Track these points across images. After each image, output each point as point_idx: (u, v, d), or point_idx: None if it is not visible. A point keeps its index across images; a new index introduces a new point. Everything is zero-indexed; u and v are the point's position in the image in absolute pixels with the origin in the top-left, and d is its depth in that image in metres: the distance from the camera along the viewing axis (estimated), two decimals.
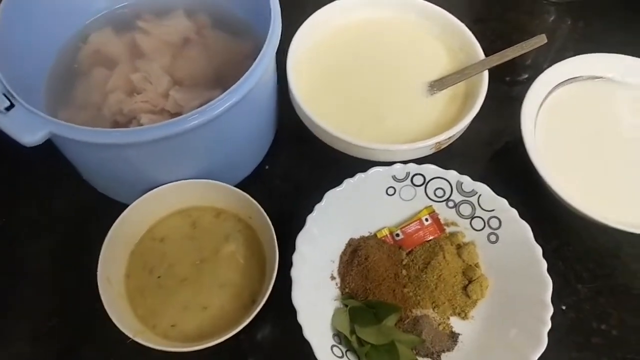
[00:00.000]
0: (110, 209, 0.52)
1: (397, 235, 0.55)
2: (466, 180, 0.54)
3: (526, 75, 0.70)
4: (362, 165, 0.55)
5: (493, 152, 0.64)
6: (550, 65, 0.62)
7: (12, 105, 0.43)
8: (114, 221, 0.49)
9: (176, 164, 0.51)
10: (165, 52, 0.59)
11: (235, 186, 0.53)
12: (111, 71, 0.58)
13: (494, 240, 0.53)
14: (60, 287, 0.54)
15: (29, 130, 0.42)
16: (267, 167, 0.61)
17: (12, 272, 0.55)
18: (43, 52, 0.55)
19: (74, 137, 0.43)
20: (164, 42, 0.60)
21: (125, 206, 0.50)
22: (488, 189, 0.54)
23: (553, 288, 0.48)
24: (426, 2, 0.66)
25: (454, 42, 0.64)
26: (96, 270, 0.47)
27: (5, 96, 0.43)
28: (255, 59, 0.48)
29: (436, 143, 0.55)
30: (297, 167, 0.62)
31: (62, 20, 0.57)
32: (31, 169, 0.61)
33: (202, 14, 0.62)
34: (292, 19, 0.59)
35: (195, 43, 0.60)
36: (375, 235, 0.55)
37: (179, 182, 0.51)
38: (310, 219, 0.51)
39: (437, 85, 0.61)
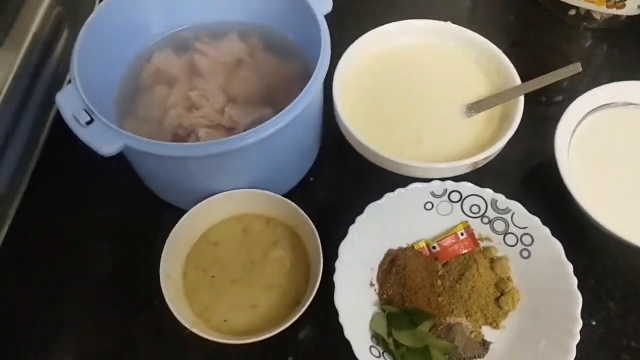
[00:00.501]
0: (169, 213, 0.57)
1: (434, 247, 0.58)
2: (500, 198, 0.57)
3: (561, 97, 0.73)
4: (401, 180, 0.59)
5: (527, 171, 0.67)
6: (585, 89, 0.65)
7: (91, 120, 0.48)
8: (172, 225, 0.54)
9: (231, 175, 0.56)
10: (221, 72, 0.65)
11: (283, 196, 0.57)
12: (171, 88, 0.63)
13: (526, 255, 0.56)
14: (122, 283, 0.59)
15: (106, 143, 0.47)
16: (311, 178, 0.65)
17: (80, 269, 0.60)
18: (113, 70, 0.61)
19: (145, 149, 0.48)
20: (219, 63, 0.65)
21: (183, 211, 0.55)
22: (521, 207, 0.56)
23: (583, 304, 0.51)
24: (463, 29, 0.69)
25: (490, 66, 0.68)
26: (155, 270, 0.51)
27: (86, 112, 0.49)
28: (303, 80, 0.52)
29: (473, 162, 0.58)
30: (339, 180, 0.66)
31: (130, 42, 0.63)
32: (100, 174, 0.66)
33: (254, 37, 0.67)
34: (338, 43, 0.63)
35: (248, 64, 0.65)
36: (412, 246, 0.58)
37: (232, 191, 0.56)
38: (352, 229, 0.54)
39: (475, 107, 0.65)
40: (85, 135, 0.48)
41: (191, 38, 0.67)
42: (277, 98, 0.63)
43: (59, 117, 0.65)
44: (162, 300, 0.50)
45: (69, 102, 0.49)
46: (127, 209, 0.64)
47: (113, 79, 0.61)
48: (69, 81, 0.51)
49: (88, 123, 0.48)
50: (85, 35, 0.54)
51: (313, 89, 0.52)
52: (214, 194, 0.56)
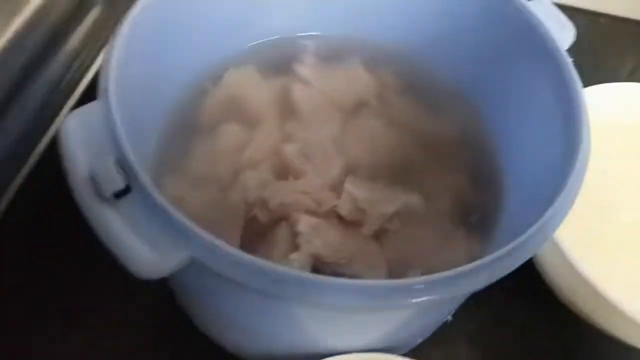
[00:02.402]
0: None
1: None
2: None
3: None
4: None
5: None
6: None
7: (127, 190, 0.22)
8: None
9: (351, 332, 0.30)
10: (332, 117, 0.40)
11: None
12: (250, 132, 0.38)
13: None
14: None
15: (155, 250, 0.21)
16: (449, 317, 0.39)
17: None
18: (161, 93, 0.35)
19: (237, 277, 0.21)
20: (330, 101, 0.40)
21: None
22: None
23: None
24: None
25: None
26: None
27: (123, 169, 0.23)
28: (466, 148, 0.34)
29: None
30: (496, 325, 0.40)
31: (194, 47, 0.37)
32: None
33: (387, 69, 0.42)
34: None
35: (374, 110, 0.40)
36: None
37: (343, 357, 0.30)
38: None
39: None
40: (110, 228, 0.22)
41: (288, 54, 0.42)
42: (423, 176, 0.38)
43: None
44: None
45: (88, 142, 0.24)
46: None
47: (159, 107, 0.35)
48: (87, 96, 0.26)
49: (119, 195, 0.23)
50: (134, 22, 0.29)
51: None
52: (313, 354, 0.30)
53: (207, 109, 0.39)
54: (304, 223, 0.33)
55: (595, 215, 0.40)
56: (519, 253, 0.24)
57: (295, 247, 0.32)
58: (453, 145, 0.39)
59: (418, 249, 0.33)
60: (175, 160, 0.37)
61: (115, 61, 0.25)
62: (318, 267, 0.32)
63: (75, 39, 0.34)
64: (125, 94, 0.26)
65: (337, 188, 0.35)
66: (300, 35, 0.41)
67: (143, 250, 0.21)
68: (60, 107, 0.37)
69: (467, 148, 0.38)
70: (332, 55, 0.42)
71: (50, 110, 0.34)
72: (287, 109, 0.40)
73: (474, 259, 0.25)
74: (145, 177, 0.22)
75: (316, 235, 0.32)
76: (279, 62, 0.40)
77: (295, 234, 0.33)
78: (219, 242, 0.21)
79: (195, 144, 0.38)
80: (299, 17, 0.40)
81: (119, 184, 0.22)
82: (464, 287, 0.23)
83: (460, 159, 0.37)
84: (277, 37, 0.41)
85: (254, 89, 0.40)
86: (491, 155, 0.36)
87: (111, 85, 0.24)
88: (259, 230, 0.34)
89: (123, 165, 0.22)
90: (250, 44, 0.40)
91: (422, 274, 0.30)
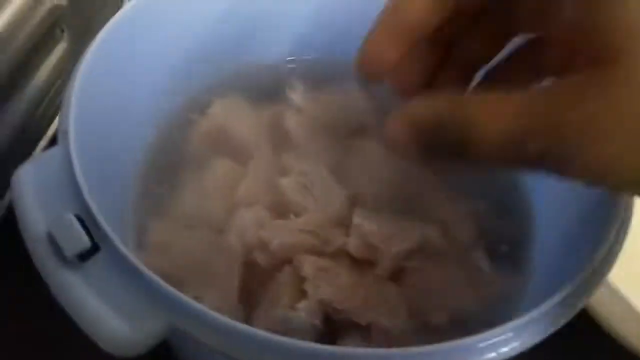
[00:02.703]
0: None
1: None
2: None
3: None
4: None
5: None
6: None
7: (95, 249, 0.19)
8: None
9: None
10: (330, 145, 0.36)
11: None
12: (242, 166, 0.34)
13: None
14: None
15: (129, 320, 0.17)
16: None
17: None
18: (138, 126, 0.32)
19: (227, 349, 0.17)
20: (326, 128, 0.37)
21: None
22: None
23: None
24: None
25: None
26: None
27: (84, 226, 0.19)
28: None
29: None
30: None
31: (176, 75, 0.34)
32: None
33: (384, 91, 0.38)
34: None
35: (375, 135, 0.36)
36: None
37: None
38: None
39: None
40: (74, 296, 0.18)
41: (277, 80, 0.38)
42: (437, 202, 0.34)
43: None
44: None
45: (45, 196, 0.20)
46: None
47: (136, 143, 0.32)
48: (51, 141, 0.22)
49: (83, 257, 0.19)
50: (98, 51, 0.25)
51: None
52: None
53: (194, 142, 0.35)
54: (310, 266, 0.29)
55: None
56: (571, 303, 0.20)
57: (302, 294, 0.28)
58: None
59: (441, 287, 0.29)
60: (161, 200, 0.33)
61: (76, 100, 0.22)
62: (329, 314, 0.28)
63: (39, 77, 0.30)
64: (91, 135, 0.22)
65: (343, 223, 0.31)
66: (289, 60, 0.38)
67: (115, 322, 0.17)
68: (30, 154, 0.33)
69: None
70: (324, 79, 0.38)
71: (16, 157, 0.30)
72: (280, 139, 0.36)
73: (506, 295, 0.21)
74: (115, 235, 0.18)
75: (325, 279, 0.28)
76: (268, 89, 0.37)
77: (301, 279, 0.29)
78: (208, 312, 0.17)
79: (182, 180, 0.34)
80: (284, 42, 0.36)
81: (84, 242, 0.18)
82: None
83: (479, 182, 0.33)
84: (264, 63, 0.38)
85: (244, 118, 0.36)
86: (514, 179, 0.32)
87: (72, 127, 0.21)
88: (259, 276, 0.30)
89: (88, 220, 0.19)
90: (237, 71, 0.36)
91: (449, 317, 0.26)
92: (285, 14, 0.35)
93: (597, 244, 0.21)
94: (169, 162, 0.34)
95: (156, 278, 0.18)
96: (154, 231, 0.31)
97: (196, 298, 0.28)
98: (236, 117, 0.36)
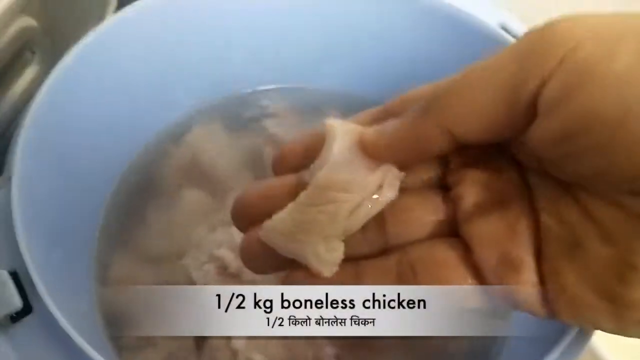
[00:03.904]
0: None
1: None
2: None
3: None
4: None
5: None
6: None
7: (27, 310, 0.17)
8: None
9: None
10: None
11: None
12: (214, 198, 0.33)
13: None
14: None
15: None
16: None
17: None
18: (111, 156, 0.30)
19: None
20: None
21: None
22: None
23: None
24: None
25: None
26: None
27: (18, 284, 0.17)
28: None
29: None
30: None
31: (152, 101, 0.33)
32: None
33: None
34: None
35: None
36: None
37: None
38: None
39: None
40: None
41: (255, 109, 0.37)
42: None
43: None
44: None
45: None
46: None
47: (102, 174, 0.30)
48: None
49: (14, 319, 0.17)
50: (66, 72, 0.24)
51: None
52: None
53: (167, 173, 0.34)
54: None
55: None
56: None
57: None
58: None
59: None
60: (128, 232, 0.32)
61: (26, 141, 0.20)
62: None
63: (7, 101, 0.29)
64: (49, 168, 0.21)
65: None
66: (268, 89, 0.36)
67: None
68: None
69: None
70: (303, 108, 0.37)
71: None
72: (259, 171, 0.35)
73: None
74: (49, 297, 0.17)
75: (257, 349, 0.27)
76: (245, 118, 0.35)
77: None
78: None
79: (151, 212, 0.33)
80: (263, 70, 0.35)
81: (15, 303, 0.17)
82: None
83: None
84: (241, 91, 0.37)
85: (221, 149, 0.35)
86: None
87: (17, 172, 0.19)
88: None
89: (22, 278, 0.17)
90: (214, 100, 0.35)
91: None
92: (264, 44, 0.34)
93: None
94: (139, 192, 0.32)
95: (87, 346, 0.16)
96: (116, 265, 0.30)
97: (150, 340, 0.28)
98: (212, 148, 0.35)
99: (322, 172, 0.17)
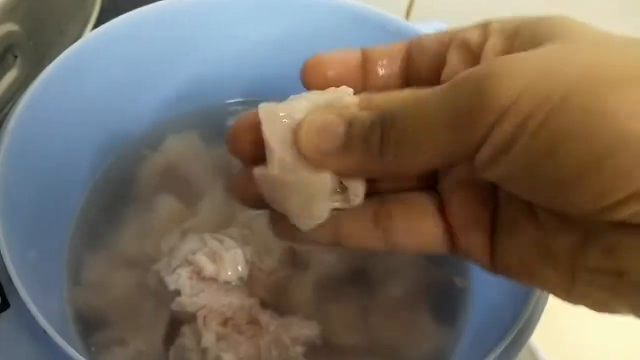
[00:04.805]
0: None
1: None
2: None
3: None
4: None
5: None
6: None
7: (4, 306, 0.18)
8: None
9: None
10: None
11: None
12: (187, 205, 0.34)
13: None
14: None
15: None
16: None
17: None
18: (85, 157, 0.31)
19: None
20: None
21: None
22: None
23: None
24: None
25: None
26: None
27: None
28: None
29: None
30: None
31: (128, 109, 0.34)
32: None
33: None
34: None
35: None
36: None
37: None
38: None
39: None
40: None
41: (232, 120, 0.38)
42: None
43: None
44: None
45: None
46: None
47: (83, 177, 0.31)
48: None
49: None
50: (51, 77, 0.25)
51: None
52: None
53: (143, 178, 0.35)
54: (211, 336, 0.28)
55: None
56: None
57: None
58: None
59: None
60: (101, 236, 0.32)
61: (6, 149, 0.21)
62: None
63: None
64: (26, 170, 0.22)
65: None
66: (243, 100, 0.38)
67: None
68: None
69: None
70: None
71: None
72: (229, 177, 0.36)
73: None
74: (26, 294, 0.18)
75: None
76: (221, 128, 0.37)
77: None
78: None
79: (126, 217, 0.34)
80: (239, 81, 0.36)
81: None
82: None
83: None
84: (218, 102, 0.38)
85: (196, 157, 0.36)
86: None
87: None
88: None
89: (2, 274, 0.18)
90: (191, 109, 0.36)
91: None
92: (238, 56, 0.35)
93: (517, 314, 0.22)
94: (115, 196, 0.33)
95: (62, 341, 0.17)
96: (90, 268, 0.31)
97: (121, 340, 0.28)
98: (188, 156, 0.36)
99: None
